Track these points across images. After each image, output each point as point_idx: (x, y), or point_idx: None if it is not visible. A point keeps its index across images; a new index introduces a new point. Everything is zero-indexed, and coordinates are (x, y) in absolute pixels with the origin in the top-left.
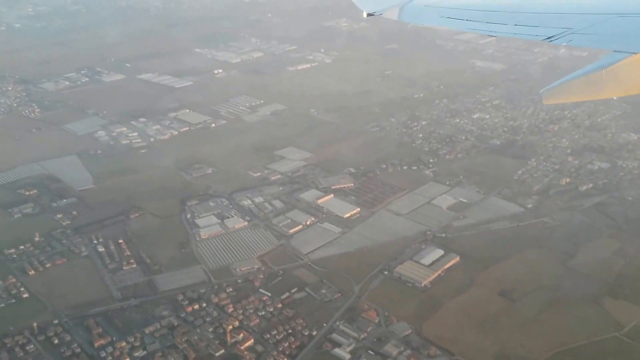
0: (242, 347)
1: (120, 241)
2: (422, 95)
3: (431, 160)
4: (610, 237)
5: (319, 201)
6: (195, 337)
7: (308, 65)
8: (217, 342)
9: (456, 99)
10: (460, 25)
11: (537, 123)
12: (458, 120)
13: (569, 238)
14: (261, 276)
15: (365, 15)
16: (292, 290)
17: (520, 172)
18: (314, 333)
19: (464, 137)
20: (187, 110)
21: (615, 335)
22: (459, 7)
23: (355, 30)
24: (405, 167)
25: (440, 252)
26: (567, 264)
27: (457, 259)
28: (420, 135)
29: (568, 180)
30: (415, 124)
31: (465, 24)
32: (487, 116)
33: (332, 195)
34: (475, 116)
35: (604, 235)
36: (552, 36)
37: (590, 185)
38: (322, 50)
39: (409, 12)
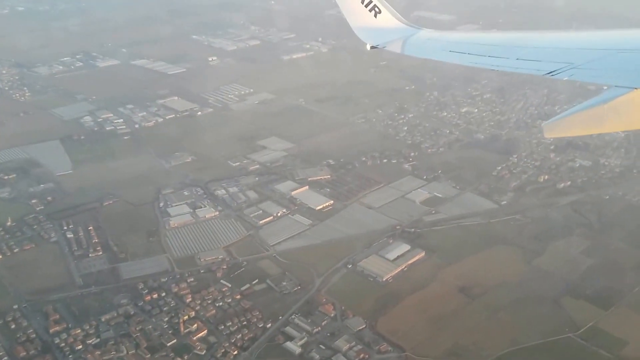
0: (195, 338)
1: (90, 228)
2: (413, 87)
3: (412, 154)
4: (580, 236)
5: (293, 193)
6: (150, 327)
7: (303, 54)
8: (170, 331)
9: (447, 91)
10: (463, 59)
11: (525, 118)
12: (446, 113)
13: (539, 236)
14: (224, 267)
15: (368, 48)
16: (253, 282)
17: (499, 167)
18: (269, 326)
19: (448, 131)
20: (175, 98)
21: (569, 335)
22: (461, 41)
23: None
24: (385, 160)
25: (406, 247)
26: (532, 262)
27: (423, 254)
28: (405, 128)
29: (547, 177)
30: (402, 116)
31: (468, 58)
32: (476, 110)
33: (307, 187)
34: (464, 110)
35: (574, 234)
36: (554, 71)
37: (569, 183)
38: (320, 39)
39: (411, 45)
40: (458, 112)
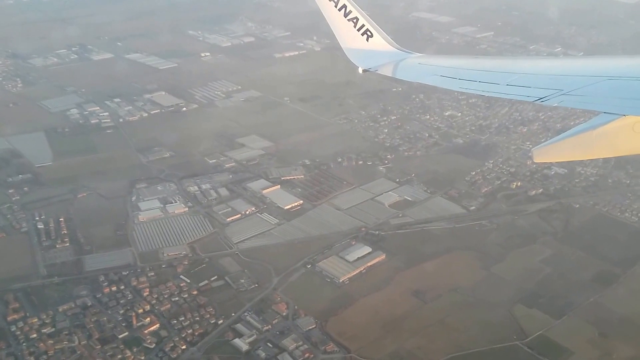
0: (146, 331)
1: (61, 219)
2: (400, 89)
3: (388, 156)
4: (543, 244)
5: (264, 191)
6: (105, 318)
7: (296, 53)
8: (124, 324)
9: (433, 94)
10: (453, 84)
11: (507, 124)
12: (428, 116)
13: (501, 242)
14: (186, 262)
15: (360, 71)
16: (212, 279)
17: (473, 173)
18: (220, 322)
19: (427, 135)
20: (163, 93)
21: (516, 343)
22: (452, 66)
23: None
24: (360, 162)
25: (367, 250)
26: (490, 269)
27: (383, 257)
28: (386, 131)
29: (519, 184)
30: (385, 118)
31: (458, 83)
32: (459, 114)
33: (278, 186)
34: (447, 113)
35: (537, 242)
36: (544, 97)
37: (540, 190)
38: (315, 38)
39: (403, 69)
40: (441, 116)
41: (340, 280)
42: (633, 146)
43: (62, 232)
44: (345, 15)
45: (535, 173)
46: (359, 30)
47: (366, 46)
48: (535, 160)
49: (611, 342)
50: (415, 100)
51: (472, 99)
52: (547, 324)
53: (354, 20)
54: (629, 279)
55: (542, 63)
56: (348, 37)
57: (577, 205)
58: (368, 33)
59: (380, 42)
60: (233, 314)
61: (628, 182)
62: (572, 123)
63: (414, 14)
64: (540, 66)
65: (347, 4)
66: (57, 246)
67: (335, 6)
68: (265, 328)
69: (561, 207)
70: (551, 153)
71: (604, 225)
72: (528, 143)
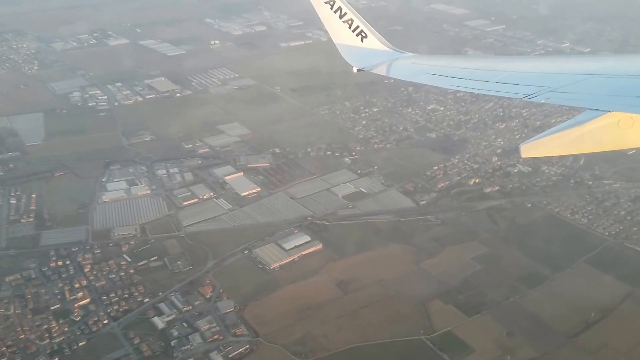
0: (77, 305)
1: (33, 196)
2: (392, 80)
3: (357, 148)
4: (481, 242)
5: (227, 178)
6: (43, 290)
7: (302, 43)
8: (59, 297)
9: (422, 87)
10: (445, 82)
11: (487, 119)
12: (410, 110)
13: (440, 238)
14: (132, 242)
15: (355, 71)
16: (151, 259)
17: (436, 167)
18: (146, 300)
19: (402, 128)
20: (162, 79)
21: (421, 338)
22: (443, 65)
23: (372, 8)
24: (329, 153)
25: (306, 239)
26: (420, 264)
27: (320, 246)
28: (364, 122)
29: (477, 180)
30: (367, 110)
31: (449, 81)
32: (442, 108)
33: (241, 173)
34: (430, 107)
35: (477, 239)
36: (531, 94)
37: (497, 188)
38: (324, 28)
39: (396, 68)
40: (423, 109)
41: (271, 267)
42: (618, 141)
43: (30, 208)
44: (341, 17)
45: (498, 170)
46: (353, 31)
47: (360, 46)
48: (522, 156)
49: (516, 342)
50: (403, 93)
51: (460, 94)
52: (458, 321)
53: (349, 22)
54: (555, 282)
55: (530, 62)
56: (343, 38)
57: (529, 205)
58: (362, 34)
59: (374, 43)
60: (160, 294)
61: (590, 183)
62: (553, 121)
63: (432, 6)
64: (529, 64)
65: (342, 6)
66: (22, 221)
67: (331, 8)
68: (186, 309)
69: (512, 206)
70: (538, 148)
71: (549, 226)
72: (500, 140)
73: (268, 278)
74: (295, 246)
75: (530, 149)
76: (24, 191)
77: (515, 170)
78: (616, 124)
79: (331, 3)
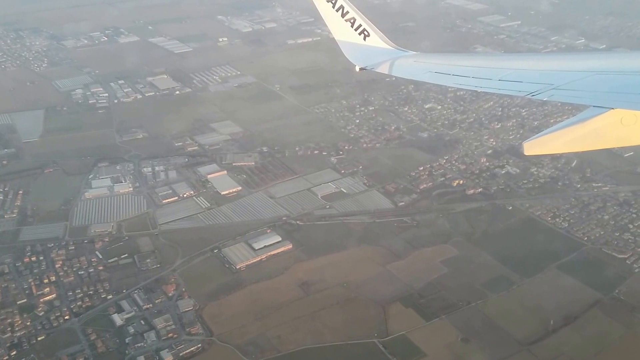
0: (42, 300)
1: (20, 192)
2: (394, 78)
3: (346, 147)
4: (453, 245)
5: (210, 176)
6: (14, 285)
7: (309, 40)
8: (27, 291)
9: (423, 86)
10: (447, 80)
11: (484, 119)
12: (407, 108)
13: (412, 240)
14: (106, 239)
15: (357, 69)
16: (122, 256)
17: (422, 168)
18: (110, 297)
19: (394, 127)
20: (164, 76)
21: (374, 341)
22: (446, 63)
23: (387, 3)
24: (316, 152)
25: (277, 239)
26: (387, 266)
27: (290, 247)
28: (357, 121)
29: (461, 182)
30: (363, 108)
31: (452, 79)
32: (439, 107)
33: (225, 171)
34: (427, 106)
35: (450, 242)
36: (535, 91)
37: (480, 190)
38: None
39: (399, 67)
40: (420, 108)
41: (237, 267)
42: (621, 138)
43: (16, 204)
44: (343, 15)
45: (485, 171)
46: (356, 30)
47: (363, 45)
48: (525, 153)
49: (470, 348)
50: (402, 92)
51: (460, 92)
52: (414, 325)
53: (351, 21)
54: (522, 287)
55: (534, 59)
56: (345, 37)
57: (510, 208)
58: (365, 33)
59: (376, 41)
60: (124, 291)
61: (579, 186)
62: (552, 121)
63: (448, 1)
64: (531, 62)
65: (344, 5)
66: (6, 216)
67: (333, 7)
68: (146, 306)
69: (492, 208)
70: (542, 145)
71: (527, 230)
72: (492, 140)
73: (232, 278)
74: (265, 246)
75: (533, 147)
76: (12, 187)
77: (503, 172)
78: (619, 121)
79: (333, 2)
